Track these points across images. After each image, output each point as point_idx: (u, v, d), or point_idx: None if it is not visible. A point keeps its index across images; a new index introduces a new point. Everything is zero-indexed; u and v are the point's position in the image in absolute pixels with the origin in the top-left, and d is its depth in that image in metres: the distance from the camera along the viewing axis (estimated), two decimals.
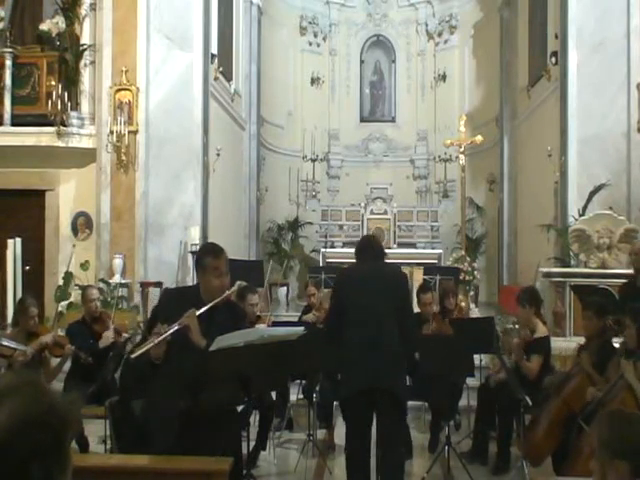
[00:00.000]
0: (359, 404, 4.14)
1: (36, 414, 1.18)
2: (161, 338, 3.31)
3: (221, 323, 3.44)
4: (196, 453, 3.33)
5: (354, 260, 4.53)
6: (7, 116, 9.41)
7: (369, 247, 4.44)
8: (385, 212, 14.28)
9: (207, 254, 3.60)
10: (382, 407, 4.13)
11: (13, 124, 9.43)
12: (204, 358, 3.35)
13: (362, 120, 16.79)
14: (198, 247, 8.68)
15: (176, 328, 3.33)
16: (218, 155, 11.03)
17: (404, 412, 4.37)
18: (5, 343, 5.19)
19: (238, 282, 6.83)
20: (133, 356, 3.38)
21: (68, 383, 5.63)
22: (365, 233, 13.77)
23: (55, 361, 5.56)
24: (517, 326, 5.99)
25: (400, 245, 13.80)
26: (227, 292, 3.56)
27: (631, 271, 6.68)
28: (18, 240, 8.10)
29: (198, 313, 3.40)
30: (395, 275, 4.41)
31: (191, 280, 9.03)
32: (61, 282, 9.23)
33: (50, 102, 9.30)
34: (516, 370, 5.53)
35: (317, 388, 5.91)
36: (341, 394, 4.38)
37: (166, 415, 3.47)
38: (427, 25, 16.36)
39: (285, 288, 13.75)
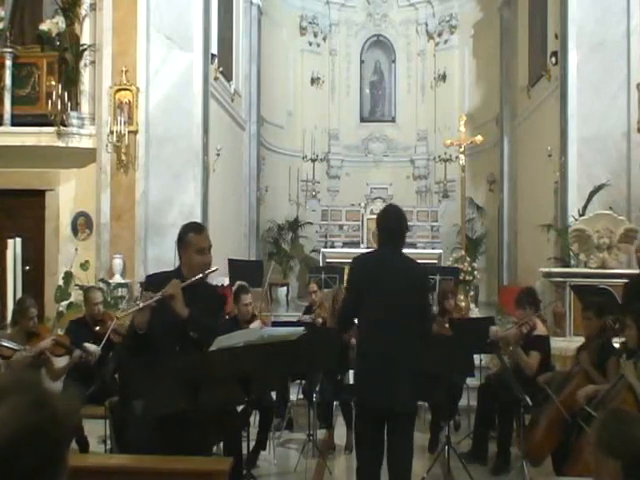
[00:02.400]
0: (371, 415, 4.08)
1: (38, 422, 1.16)
2: (146, 304, 3.33)
3: (201, 303, 3.43)
4: (195, 453, 3.33)
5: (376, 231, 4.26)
6: (7, 116, 9.38)
7: (394, 229, 4.15)
8: None
9: (189, 231, 3.60)
10: (395, 421, 4.05)
11: (13, 124, 9.40)
12: (204, 358, 3.35)
13: (362, 120, 16.78)
14: None
15: (160, 296, 3.35)
16: (218, 155, 11.03)
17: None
18: (5, 344, 5.18)
19: (238, 282, 6.87)
20: (119, 316, 3.82)
21: (67, 383, 5.62)
22: (366, 232, 13.78)
23: (57, 360, 5.55)
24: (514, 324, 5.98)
25: None
26: (210, 269, 3.56)
27: (634, 271, 6.68)
28: (18, 240, 8.09)
29: (182, 285, 3.41)
30: (418, 274, 4.23)
31: None
32: (61, 282, 9.22)
33: (50, 102, 9.29)
34: (516, 370, 5.53)
35: (317, 388, 5.92)
36: (353, 397, 4.28)
37: (166, 415, 3.47)
38: (427, 25, 16.36)
39: (285, 288, 13.76)
